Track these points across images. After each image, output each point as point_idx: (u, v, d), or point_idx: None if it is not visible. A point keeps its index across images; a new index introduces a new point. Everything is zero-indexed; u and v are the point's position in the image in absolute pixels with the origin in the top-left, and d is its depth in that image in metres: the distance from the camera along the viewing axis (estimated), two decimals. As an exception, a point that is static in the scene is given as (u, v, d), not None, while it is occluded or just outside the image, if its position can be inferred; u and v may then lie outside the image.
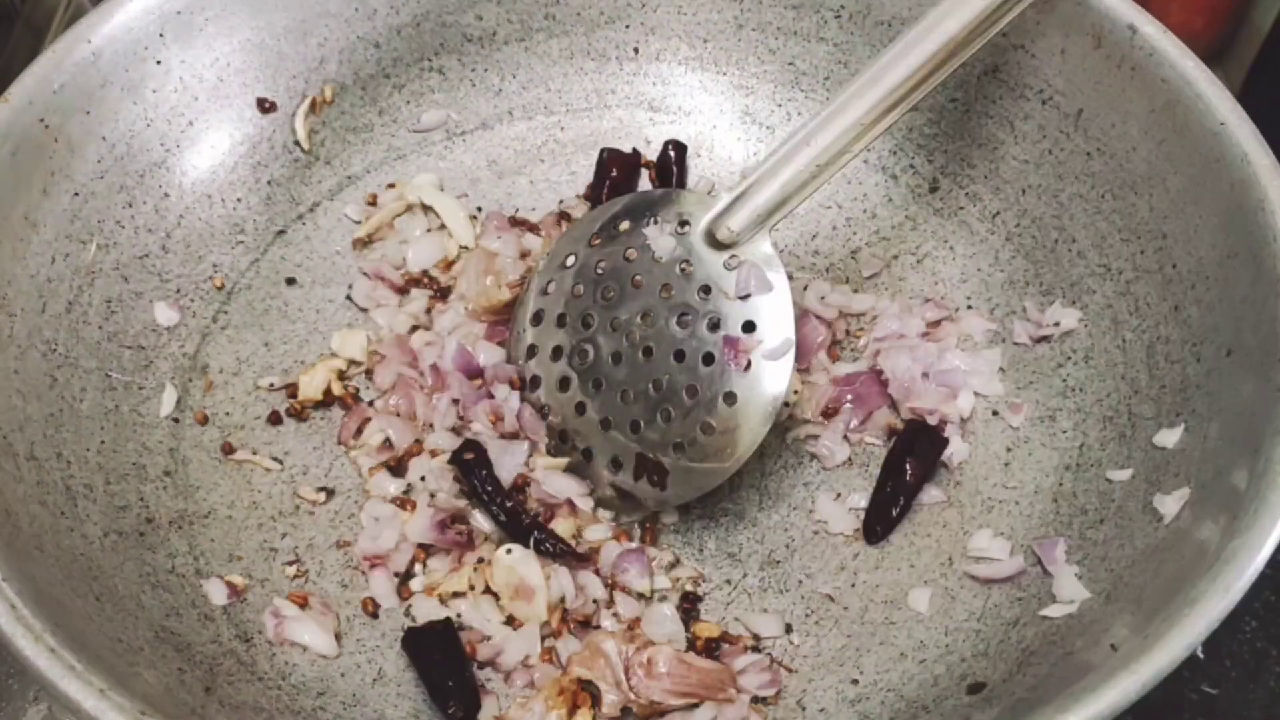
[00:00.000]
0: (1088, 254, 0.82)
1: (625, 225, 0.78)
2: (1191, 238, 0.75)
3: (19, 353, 0.72)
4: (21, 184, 0.74)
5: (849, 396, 0.81)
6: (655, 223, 0.77)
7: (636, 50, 0.94)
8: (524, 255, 0.87)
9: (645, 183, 0.92)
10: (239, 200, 0.87)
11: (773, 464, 0.80)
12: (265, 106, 0.87)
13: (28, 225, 0.74)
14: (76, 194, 0.78)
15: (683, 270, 0.76)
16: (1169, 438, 0.72)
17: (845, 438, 0.81)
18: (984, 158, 0.87)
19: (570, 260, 0.79)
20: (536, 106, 0.94)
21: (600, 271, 0.78)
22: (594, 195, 0.90)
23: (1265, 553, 0.60)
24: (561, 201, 0.92)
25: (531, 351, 0.80)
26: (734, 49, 0.93)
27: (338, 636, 0.72)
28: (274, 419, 0.80)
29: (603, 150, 0.91)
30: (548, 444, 0.79)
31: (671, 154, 0.92)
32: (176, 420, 0.79)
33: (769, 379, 0.73)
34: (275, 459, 0.79)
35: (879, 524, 0.77)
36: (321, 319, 0.85)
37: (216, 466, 0.78)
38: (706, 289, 0.75)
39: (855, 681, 0.71)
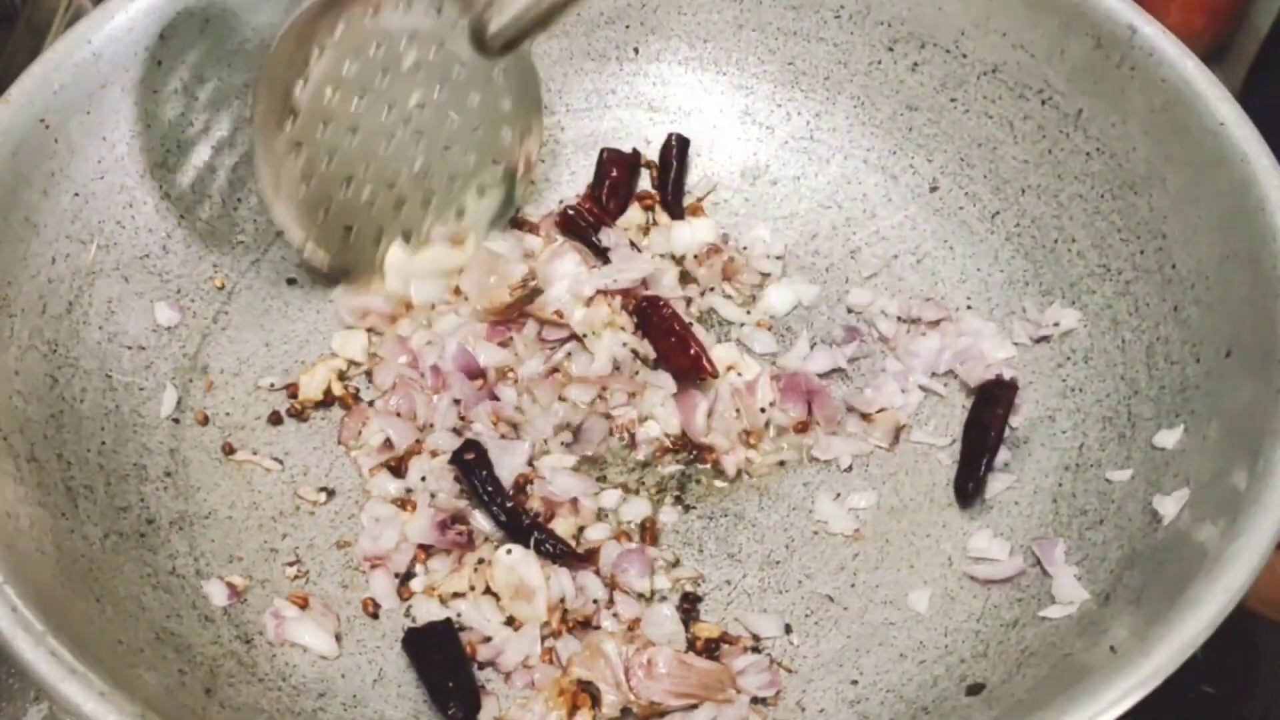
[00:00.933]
0: (1087, 254, 0.82)
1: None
2: (1191, 238, 0.75)
3: (20, 353, 0.72)
4: (22, 184, 0.74)
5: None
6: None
7: (636, 50, 0.94)
8: (526, 255, 0.87)
9: (646, 183, 0.92)
10: (239, 200, 0.87)
11: (773, 464, 0.80)
12: (265, 106, 0.87)
13: (28, 226, 0.74)
14: (77, 194, 0.78)
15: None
16: (1168, 438, 0.72)
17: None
18: (984, 158, 0.87)
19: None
20: (536, 106, 0.94)
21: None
22: (594, 195, 0.90)
23: (1264, 553, 0.60)
24: (561, 201, 0.92)
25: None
26: (734, 49, 0.93)
27: (338, 637, 0.72)
28: (274, 419, 0.80)
29: (603, 150, 0.91)
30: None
31: (674, 145, 0.92)
32: (177, 421, 0.79)
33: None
34: (275, 459, 0.79)
35: (969, 481, 0.77)
36: (322, 319, 0.85)
37: (217, 467, 0.78)
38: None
39: (855, 682, 0.71)
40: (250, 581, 0.73)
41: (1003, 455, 0.78)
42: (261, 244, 0.87)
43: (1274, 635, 0.80)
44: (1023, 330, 0.83)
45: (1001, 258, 0.86)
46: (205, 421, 0.80)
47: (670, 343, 0.81)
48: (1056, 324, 0.82)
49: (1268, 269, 0.69)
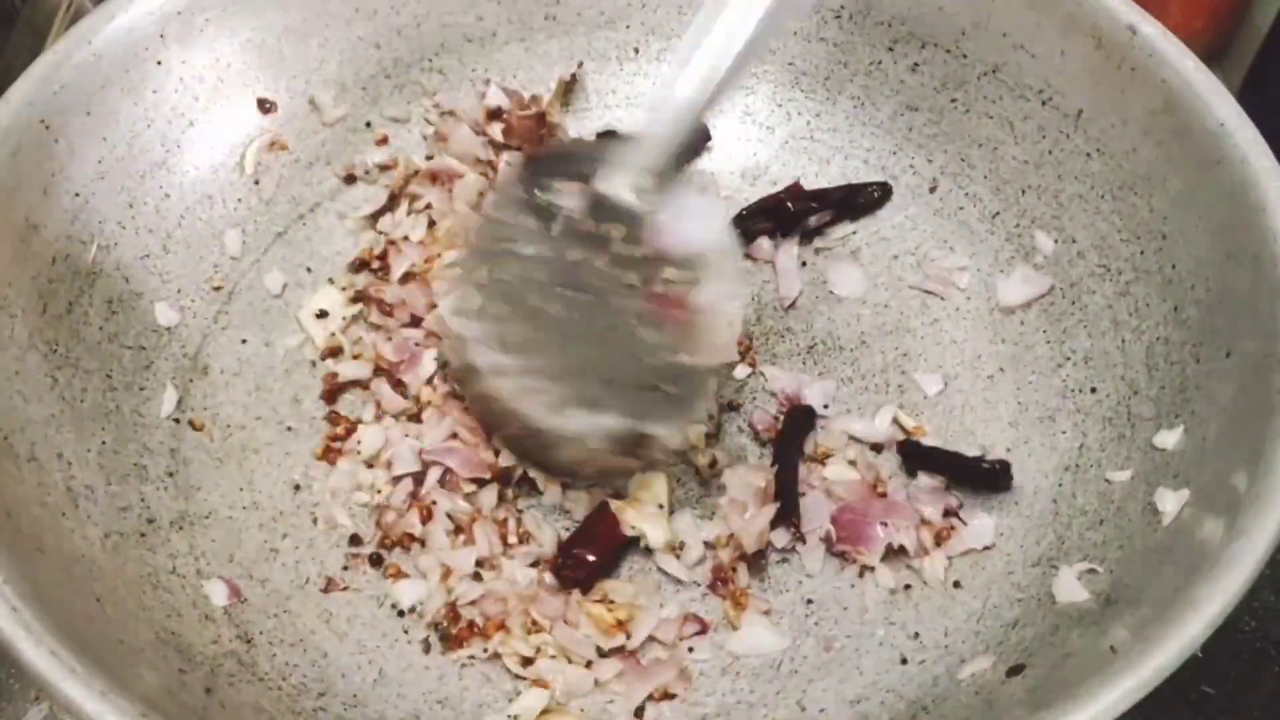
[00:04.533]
0: (1088, 255, 0.82)
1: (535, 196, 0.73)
2: (1191, 239, 0.75)
3: (20, 353, 0.72)
4: (22, 184, 0.74)
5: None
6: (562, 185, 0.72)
7: (637, 50, 0.94)
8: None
9: (645, 183, 0.92)
10: (239, 200, 0.87)
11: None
12: (265, 107, 0.87)
13: (28, 226, 0.74)
14: (77, 194, 0.78)
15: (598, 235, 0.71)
16: (1168, 439, 0.72)
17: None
18: (984, 158, 0.87)
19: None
20: (537, 107, 0.94)
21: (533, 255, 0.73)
22: (593, 195, 0.91)
23: (1265, 553, 0.60)
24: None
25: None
26: (734, 49, 0.93)
27: (339, 636, 0.72)
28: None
29: (602, 150, 0.91)
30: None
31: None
32: (177, 421, 0.79)
33: (713, 314, 0.70)
34: (277, 460, 0.79)
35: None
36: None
37: (217, 467, 0.78)
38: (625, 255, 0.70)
39: (855, 682, 0.71)
40: (250, 581, 0.73)
41: (1004, 455, 0.78)
42: (262, 244, 0.87)
43: (1274, 635, 0.80)
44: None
45: (1001, 258, 0.86)
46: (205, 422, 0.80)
47: None
48: (1057, 324, 0.82)
49: (1268, 269, 0.69)
